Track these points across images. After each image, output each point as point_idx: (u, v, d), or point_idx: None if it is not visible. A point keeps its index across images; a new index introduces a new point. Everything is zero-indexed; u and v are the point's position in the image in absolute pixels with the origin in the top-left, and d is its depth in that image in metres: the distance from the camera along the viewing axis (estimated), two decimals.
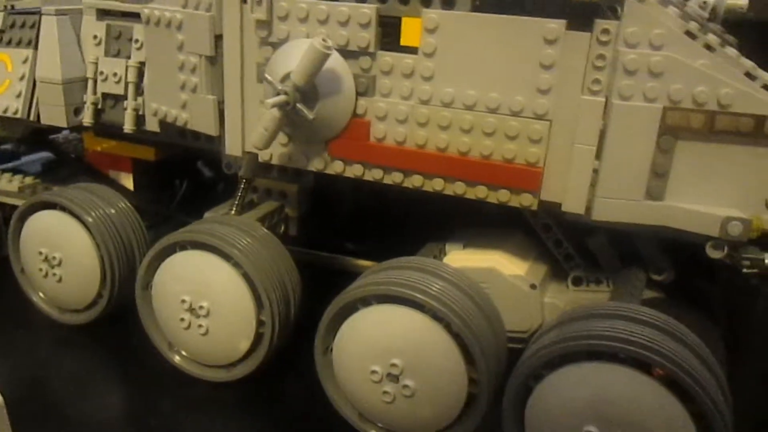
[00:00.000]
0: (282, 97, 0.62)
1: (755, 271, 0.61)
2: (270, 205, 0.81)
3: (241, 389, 0.72)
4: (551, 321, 0.61)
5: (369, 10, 0.63)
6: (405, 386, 0.60)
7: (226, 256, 0.67)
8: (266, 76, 0.64)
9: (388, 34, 0.65)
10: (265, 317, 0.67)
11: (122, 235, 0.79)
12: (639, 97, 0.58)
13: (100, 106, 0.84)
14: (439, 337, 0.58)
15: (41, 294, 0.83)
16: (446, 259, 0.73)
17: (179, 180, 0.97)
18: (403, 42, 0.64)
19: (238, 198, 0.78)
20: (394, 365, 0.59)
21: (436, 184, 0.66)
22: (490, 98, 0.62)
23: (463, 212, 0.74)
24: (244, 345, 0.69)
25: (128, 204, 0.82)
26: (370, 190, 0.73)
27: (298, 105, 0.63)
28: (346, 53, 0.65)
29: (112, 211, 0.80)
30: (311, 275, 0.76)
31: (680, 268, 0.71)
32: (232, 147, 0.74)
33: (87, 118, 0.84)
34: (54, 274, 0.79)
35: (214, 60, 0.71)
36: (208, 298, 0.68)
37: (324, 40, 0.60)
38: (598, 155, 0.60)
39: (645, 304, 0.66)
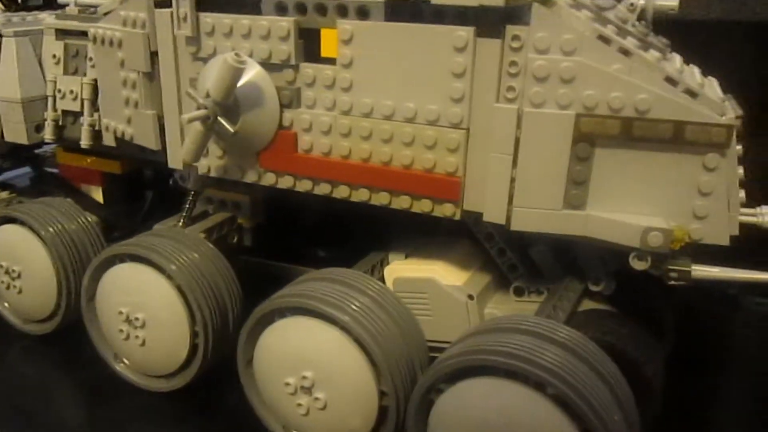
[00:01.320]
0: (200, 112, 0.62)
1: (682, 283, 0.59)
2: (220, 216, 0.82)
3: (181, 399, 0.73)
4: (463, 334, 0.59)
5: (287, 23, 0.63)
6: (316, 399, 0.59)
7: (160, 269, 0.68)
8: (188, 90, 0.65)
9: (312, 46, 0.65)
10: (198, 329, 0.68)
11: (79, 248, 0.81)
12: (551, 104, 0.56)
13: (61, 123, 0.86)
14: (348, 350, 0.57)
15: (6, 304, 0.86)
16: (387, 269, 0.73)
17: (150, 192, 0.99)
18: (323, 53, 0.64)
19: (185, 210, 0.79)
20: (305, 377, 0.59)
21: (362, 195, 0.66)
22: (406, 108, 0.61)
23: (414, 220, 0.73)
24: (180, 356, 0.70)
25: (87, 218, 0.84)
26: (327, 198, 0.73)
27: (219, 119, 0.64)
28: (269, 66, 0.65)
29: (72, 225, 0.82)
30: (267, 285, 0.77)
31: (628, 279, 0.69)
32: (173, 160, 0.75)
33: (48, 134, 0.86)
34: (14, 286, 0.82)
35: (152, 76, 0.73)
36: (144, 310, 0.69)
37: (237, 54, 0.61)
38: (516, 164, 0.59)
39: (578, 316, 0.65)
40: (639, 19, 0.63)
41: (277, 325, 0.61)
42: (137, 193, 0.97)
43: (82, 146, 0.84)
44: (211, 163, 0.72)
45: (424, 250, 0.75)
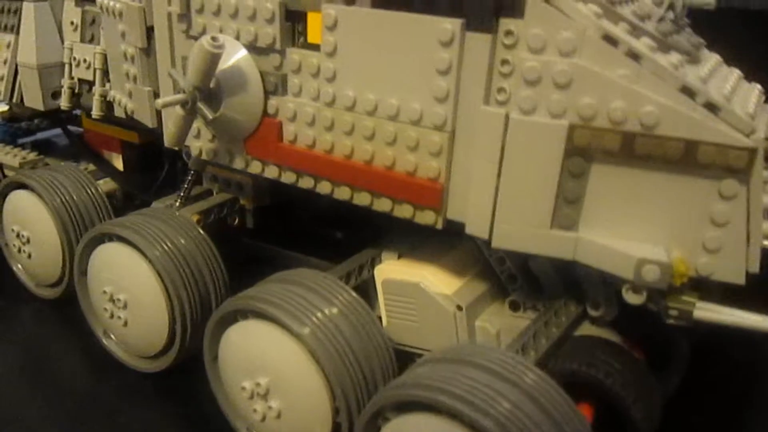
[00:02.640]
0: (175, 96, 0.60)
1: (683, 323, 0.52)
2: (220, 197, 0.80)
3: (165, 381, 0.72)
4: (425, 357, 0.55)
5: (272, 4, 0.59)
6: (270, 407, 0.57)
7: (142, 253, 0.67)
8: (169, 71, 0.62)
9: (302, 30, 0.61)
10: (176, 315, 0.67)
11: (85, 218, 0.81)
12: (542, 111, 0.50)
13: (77, 91, 0.86)
14: (304, 363, 0.54)
15: (19, 266, 0.88)
16: (377, 269, 0.68)
17: (168, 163, 0.98)
18: (309, 39, 0.59)
19: (183, 190, 0.78)
20: (259, 384, 0.56)
21: (344, 193, 0.61)
22: (389, 104, 0.56)
23: None
24: (160, 340, 0.69)
25: (97, 189, 0.84)
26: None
27: (199, 104, 0.60)
28: (255, 50, 0.61)
29: (80, 195, 0.82)
30: (269, 269, 0.74)
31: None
32: (168, 139, 0.73)
33: (64, 101, 0.86)
34: (24, 251, 0.83)
35: (148, 51, 0.70)
36: (125, 291, 0.69)
37: (213, 38, 0.57)
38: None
39: (569, 343, 0.59)
40: (668, 12, 0.55)
41: (238, 326, 0.59)
42: (156, 162, 0.96)
43: (93, 116, 0.83)
44: (203, 145, 0.70)
45: (419, 251, 0.70)
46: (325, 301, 0.56)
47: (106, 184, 0.94)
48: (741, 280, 0.50)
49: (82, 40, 0.84)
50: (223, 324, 0.60)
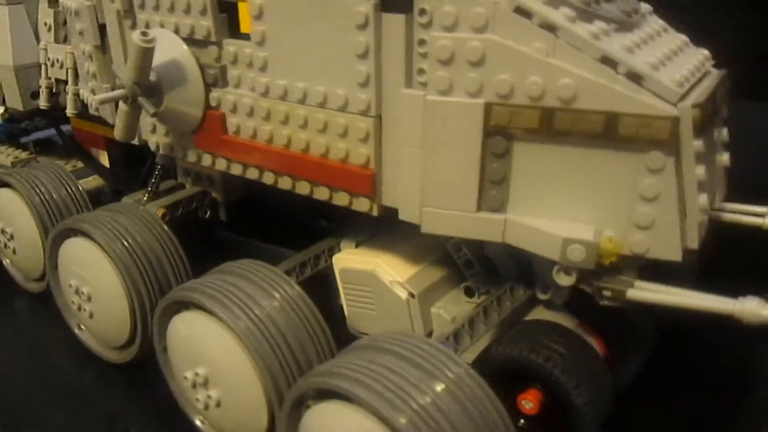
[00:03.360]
0: (114, 93, 0.60)
1: (617, 304, 0.50)
2: (189, 191, 0.81)
3: (133, 372, 0.73)
4: (354, 343, 0.54)
5: None
6: (210, 396, 0.57)
7: (103, 248, 0.68)
8: (113, 68, 0.63)
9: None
10: (136, 309, 0.68)
11: (64, 215, 0.83)
12: (459, 91, 0.48)
13: (54, 90, 0.88)
14: (235, 351, 0.54)
15: (7, 261, 0.91)
16: (335, 258, 0.68)
17: (150, 158, 1.00)
18: (242, 29, 0.59)
19: (151, 184, 0.79)
20: (197, 374, 0.57)
21: (286, 183, 0.61)
22: (317, 92, 0.55)
23: None
24: (124, 332, 0.70)
25: (77, 186, 0.85)
26: None
27: (140, 99, 0.61)
28: (194, 43, 0.62)
29: (60, 192, 0.84)
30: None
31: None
32: (117, 134, 0.74)
33: (42, 101, 0.88)
34: (9, 247, 0.86)
35: (104, 49, 0.71)
36: (89, 284, 0.70)
37: (143, 33, 0.57)
38: None
39: (515, 327, 0.57)
40: None
41: (181, 317, 0.59)
42: (140, 158, 0.98)
43: (68, 115, 0.85)
44: (159, 140, 0.70)
45: (377, 239, 0.69)
46: (262, 292, 0.56)
47: (93, 181, 0.96)
48: (678, 256, 0.48)
49: (56, 41, 0.86)
50: (167, 315, 0.61)
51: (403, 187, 0.53)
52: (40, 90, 0.88)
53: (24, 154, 1.00)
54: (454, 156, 0.50)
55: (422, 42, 0.49)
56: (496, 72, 0.47)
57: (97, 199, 0.91)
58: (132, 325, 0.69)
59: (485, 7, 0.46)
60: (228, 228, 0.85)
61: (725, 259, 0.70)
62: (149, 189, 0.79)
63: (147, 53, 0.58)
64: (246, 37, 0.59)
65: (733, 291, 0.48)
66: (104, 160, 1.00)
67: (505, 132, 0.48)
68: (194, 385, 0.58)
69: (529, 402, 0.54)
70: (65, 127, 1.06)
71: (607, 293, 0.49)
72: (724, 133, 0.56)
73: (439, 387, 0.46)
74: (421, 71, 0.50)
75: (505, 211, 0.51)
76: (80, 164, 0.99)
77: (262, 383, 0.54)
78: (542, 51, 0.46)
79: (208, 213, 0.82)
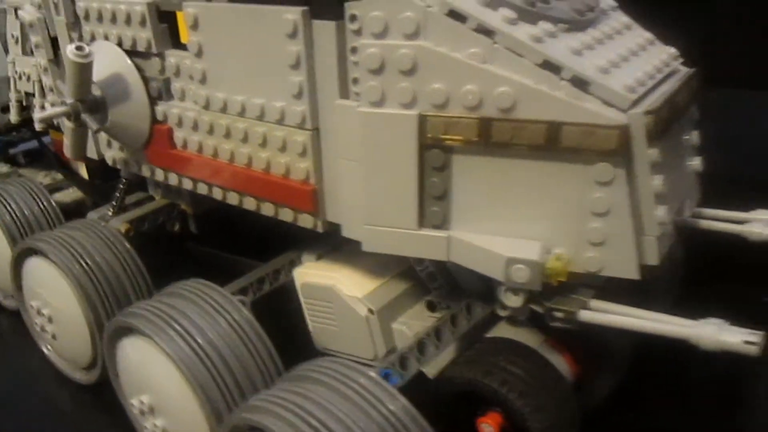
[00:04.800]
0: (55, 110, 0.58)
1: (569, 326, 0.46)
2: (157, 203, 0.79)
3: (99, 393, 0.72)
4: (291, 372, 0.51)
5: (141, 7, 0.56)
6: (156, 425, 0.55)
7: (56, 265, 0.67)
8: (56, 83, 0.61)
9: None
10: (94, 330, 0.66)
11: (35, 230, 0.82)
12: (392, 101, 0.45)
13: (25, 103, 0.87)
14: (176, 377, 0.52)
15: None
16: (295, 272, 0.65)
17: None
18: (183, 39, 0.57)
19: (116, 198, 0.77)
20: (143, 402, 0.55)
21: (234, 198, 0.59)
22: (254, 104, 0.52)
23: None
24: (87, 353, 0.68)
25: (49, 201, 0.84)
26: None
27: (83, 116, 0.59)
28: (137, 55, 0.59)
29: (32, 208, 0.82)
30: (217, 273, 0.73)
31: None
32: (88, 151, 0.72)
33: (13, 115, 0.87)
34: None
35: (57, 62, 0.69)
36: (49, 306, 0.69)
37: (78, 47, 0.55)
38: None
39: (473, 347, 0.54)
40: None
41: (125, 342, 0.57)
42: (119, 170, 0.97)
43: (37, 129, 0.83)
44: (115, 155, 0.69)
45: (340, 251, 0.66)
46: (206, 315, 0.54)
47: (73, 194, 0.95)
48: (634, 274, 0.44)
49: (24, 53, 0.84)
50: (114, 339, 0.59)
51: (345, 202, 0.50)
52: (10, 104, 0.87)
53: (5, 168, 1.00)
54: (391, 171, 0.46)
55: (354, 50, 0.46)
56: (429, 81, 0.44)
57: (77, 212, 0.90)
58: (93, 347, 0.67)
59: (415, 11, 0.43)
60: (198, 241, 0.83)
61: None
62: (114, 203, 0.77)
63: (84, 68, 0.56)
64: (185, 47, 0.57)
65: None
66: (83, 172, 0.99)
67: (442, 144, 0.45)
68: (142, 413, 0.56)
69: (488, 425, 0.51)
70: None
71: (558, 314, 0.46)
72: (694, 136, 0.52)
73: (372, 425, 0.43)
74: (355, 81, 0.47)
75: (449, 228, 0.47)
76: (58, 176, 0.98)
77: (203, 413, 0.51)
78: (478, 57, 0.43)
79: (177, 226, 0.80)
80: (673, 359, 0.64)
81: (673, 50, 0.52)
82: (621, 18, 0.53)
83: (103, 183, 0.97)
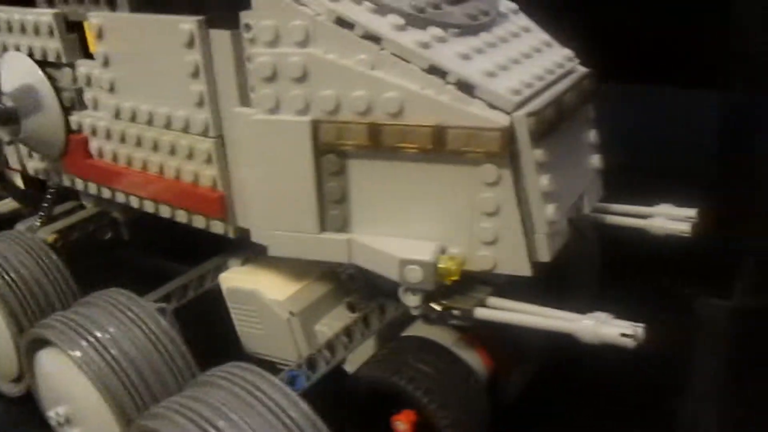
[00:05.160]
0: None
1: (466, 324, 0.48)
2: (86, 212, 0.78)
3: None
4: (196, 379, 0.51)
5: (47, 17, 0.56)
6: None
7: None
8: None
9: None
10: (19, 342, 0.66)
11: None
12: (286, 108, 0.46)
13: None
14: (90, 389, 0.52)
15: None
16: (221, 277, 0.66)
17: None
18: (91, 49, 0.57)
19: (44, 208, 0.76)
20: (58, 413, 0.55)
21: (149, 206, 0.59)
22: (160, 113, 0.53)
23: None
24: (12, 365, 0.68)
25: None
26: None
27: None
28: (48, 65, 0.59)
29: None
30: (153, 281, 0.73)
31: None
32: (11, 162, 0.72)
33: None
34: None
35: None
36: None
37: None
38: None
39: (387, 347, 0.55)
40: None
41: (42, 353, 0.57)
42: None
43: None
44: (36, 165, 0.69)
45: (265, 255, 0.67)
46: (120, 326, 0.54)
47: (8, 204, 0.94)
48: (526, 271, 0.46)
49: None
50: (30, 351, 0.59)
51: (252, 208, 0.51)
52: None
53: None
54: (290, 176, 0.47)
55: (250, 58, 0.47)
56: (320, 88, 0.44)
57: (14, 222, 0.89)
58: (18, 359, 0.67)
59: (305, 20, 0.44)
60: (131, 248, 0.82)
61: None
62: (41, 214, 0.76)
63: None
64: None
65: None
66: (18, 181, 0.98)
67: (337, 149, 0.46)
68: (59, 424, 0.56)
69: (402, 423, 0.52)
70: None
71: (456, 312, 0.47)
72: (591, 135, 0.54)
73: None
74: (252, 89, 0.48)
75: (349, 231, 0.48)
76: None
77: (118, 423, 0.52)
78: (366, 63, 0.44)
79: (109, 234, 0.80)
80: (588, 354, 0.67)
81: (567, 51, 0.53)
82: (519, 21, 0.54)
83: (41, 192, 0.97)
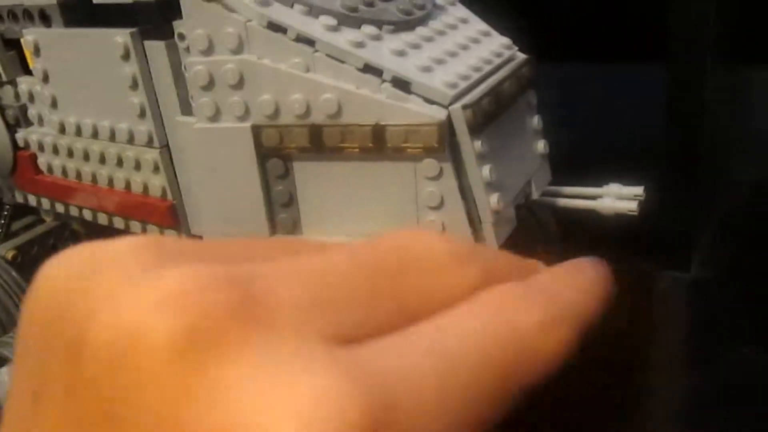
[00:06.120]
0: None
1: None
2: (45, 226, 0.77)
3: None
4: None
5: None
6: None
7: None
8: None
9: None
10: None
11: None
12: (227, 115, 0.46)
13: None
14: None
15: None
16: None
17: None
18: (31, 65, 0.56)
19: (0, 225, 0.76)
20: None
21: (103, 218, 0.59)
22: (104, 126, 0.52)
23: None
24: None
25: None
26: None
27: None
28: None
29: None
30: None
31: None
32: None
33: None
34: None
35: None
36: None
37: None
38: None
39: None
40: None
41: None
42: None
43: None
44: None
45: None
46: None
47: None
48: None
49: None
50: None
51: (203, 215, 0.51)
52: None
53: None
54: (236, 182, 0.47)
55: (186, 68, 0.47)
56: (258, 93, 0.45)
57: None
58: None
59: (236, 27, 0.44)
60: None
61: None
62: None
63: None
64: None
65: None
66: None
67: (280, 153, 0.46)
68: None
69: None
70: None
71: None
72: (534, 121, 0.54)
73: None
74: (193, 97, 0.48)
75: (300, 233, 0.49)
76: None
77: None
78: (301, 66, 0.44)
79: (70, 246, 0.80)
80: None
81: (506, 40, 0.54)
82: (457, 12, 0.54)
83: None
